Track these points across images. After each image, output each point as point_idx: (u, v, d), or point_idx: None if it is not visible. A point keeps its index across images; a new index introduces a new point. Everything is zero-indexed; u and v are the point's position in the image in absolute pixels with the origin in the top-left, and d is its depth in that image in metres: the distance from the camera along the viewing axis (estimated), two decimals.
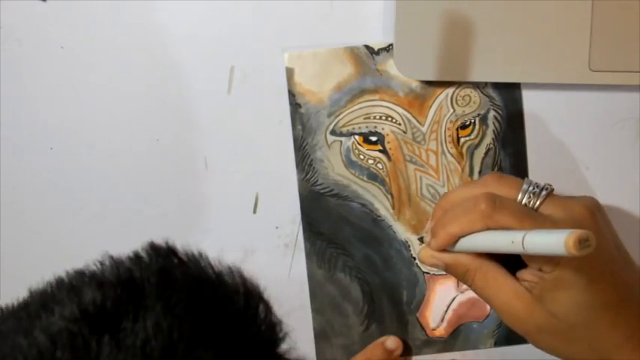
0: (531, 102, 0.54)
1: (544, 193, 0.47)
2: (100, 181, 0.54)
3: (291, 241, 0.55)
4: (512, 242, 0.43)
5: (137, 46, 0.53)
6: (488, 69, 0.52)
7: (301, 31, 0.54)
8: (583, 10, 0.52)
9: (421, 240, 0.55)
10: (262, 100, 0.54)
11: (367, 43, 0.53)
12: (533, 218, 0.45)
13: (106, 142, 0.54)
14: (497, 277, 0.47)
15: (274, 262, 0.55)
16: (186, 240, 0.54)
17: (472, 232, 0.46)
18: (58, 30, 0.52)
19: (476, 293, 0.49)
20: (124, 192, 0.54)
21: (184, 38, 0.53)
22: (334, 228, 0.55)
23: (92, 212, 0.54)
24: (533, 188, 0.47)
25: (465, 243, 0.47)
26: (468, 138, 0.55)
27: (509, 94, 0.55)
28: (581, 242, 0.39)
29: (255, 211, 0.55)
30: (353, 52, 0.54)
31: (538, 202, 0.47)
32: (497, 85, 0.54)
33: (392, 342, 0.55)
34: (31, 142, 0.53)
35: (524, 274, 0.47)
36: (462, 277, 0.49)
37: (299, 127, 0.54)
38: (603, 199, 0.55)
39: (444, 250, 0.48)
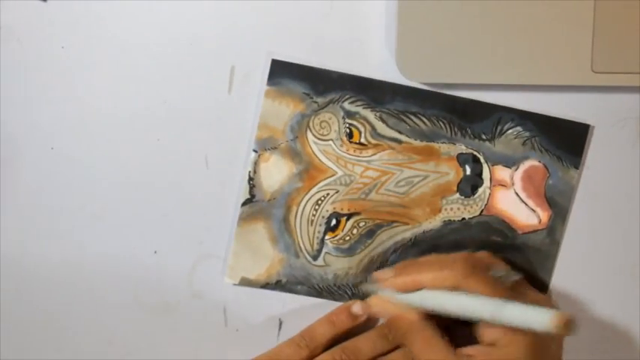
0: (533, 103, 0.54)
1: (513, 278, 0.50)
2: (100, 181, 0.54)
3: None
4: (493, 309, 0.44)
5: (137, 45, 0.53)
6: (491, 71, 0.52)
7: (302, 31, 0.53)
8: (585, 11, 0.52)
9: (357, 285, 0.55)
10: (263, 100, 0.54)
11: (240, 203, 0.54)
12: (506, 292, 0.47)
13: (106, 141, 0.54)
14: (438, 343, 0.48)
15: None
16: (187, 239, 0.55)
17: (439, 288, 0.47)
18: (58, 30, 0.52)
19: (412, 354, 0.49)
20: (124, 192, 0.54)
21: (185, 38, 0.53)
22: None
23: (92, 212, 0.54)
24: (501, 273, 0.50)
25: (425, 296, 0.48)
26: (362, 136, 0.54)
27: (330, 84, 0.54)
28: (570, 324, 0.41)
29: None
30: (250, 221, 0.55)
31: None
32: (319, 92, 0.54)
33: (358, 307, 0.54)
34: (31, 142, 0.53)
35: (467, 349, 0.48)
36: (402, 333, 0.49)
37: (300, 286, 0.55)
38: (603, 199, 0.55)
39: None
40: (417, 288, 0.48)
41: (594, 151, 0.55)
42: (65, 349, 0.55)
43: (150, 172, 0.54)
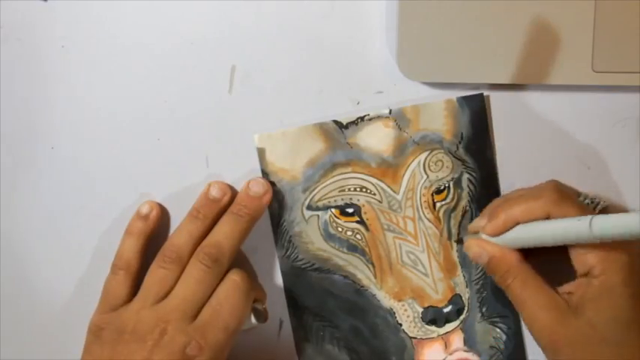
0: (534, 102, 0.54)
1: (600, 206, 0.51)
2: (100, 181, 0.54)
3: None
4: (586, 224, 0.43)
5: (138, 45, 0.53)
6: (492, 71, 0.52)
7: (302, 31, 0.53)
8: (586, 11, 0.52)
9: (459, 241, 0.55)
10: (263, 100, 0.54)
11: (336, 119, 0.54)
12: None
13: (106, 141, 0.54)
14: (536, 283, 0.48)
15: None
16: None
17: (533, 219, 0.47)
18: (58, 30, 0.52)
19: (509, 296, 0.49)
20: (125, 191, 0.54)
21: (185, 38, 0.53)
22: (319, 301, 0.55)
23: (92, 212, 0.54)
24: (588, 201, 0.51)
25: (521, 231, 0.48)
26: (443, 202, 0.55)
27: (481, 156, 0.55)
28: None
29: None
30: (322, 128, 0.54)
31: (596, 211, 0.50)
32: (469, 149, 0.54)
33: (215, 189, 0.53)
34: (31, 142, 0.53)
35: (564, 287, 0.48)
36: (501, 275, 0.49)
37: (275, 204, 0.54)
38: (603, 199, 0.55)
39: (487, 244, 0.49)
40: (512, 225, 0.48)
41: (595, 150, 0.55)
42: (65, 349, 0.55)
43: (150, 172, 0.54)
